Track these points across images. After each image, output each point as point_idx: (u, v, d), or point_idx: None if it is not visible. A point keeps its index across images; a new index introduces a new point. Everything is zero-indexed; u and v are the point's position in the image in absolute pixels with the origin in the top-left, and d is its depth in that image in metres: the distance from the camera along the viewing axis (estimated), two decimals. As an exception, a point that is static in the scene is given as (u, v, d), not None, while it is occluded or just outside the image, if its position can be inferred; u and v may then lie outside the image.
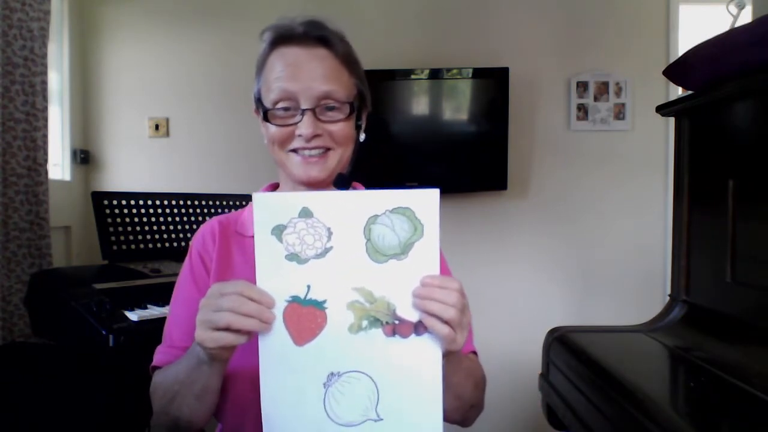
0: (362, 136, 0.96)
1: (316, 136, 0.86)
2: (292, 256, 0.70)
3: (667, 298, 1.42)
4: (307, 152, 0.87)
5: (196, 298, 0.87)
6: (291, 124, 0.86)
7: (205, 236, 0.94)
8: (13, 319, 1.94)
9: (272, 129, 0.88)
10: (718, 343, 1.17)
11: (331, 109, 0.87)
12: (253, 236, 0.89)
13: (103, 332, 1.48)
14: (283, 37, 0.88)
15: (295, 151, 0.88)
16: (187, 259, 0.94)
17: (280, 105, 0.86)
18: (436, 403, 0.71)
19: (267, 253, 0.70)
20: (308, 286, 0.70)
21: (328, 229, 0.69)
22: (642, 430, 0.91)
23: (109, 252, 1.88)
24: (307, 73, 0.85)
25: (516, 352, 2.56)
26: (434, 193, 0.68)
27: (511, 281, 2.66)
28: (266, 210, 0.70)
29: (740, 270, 1.15)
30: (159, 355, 0.89)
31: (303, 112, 0.85)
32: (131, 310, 1.58)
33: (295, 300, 0.70)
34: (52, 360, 1.71)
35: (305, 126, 0.85)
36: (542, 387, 1.46)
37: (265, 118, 0.88)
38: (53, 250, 2.12)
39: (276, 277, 0.70)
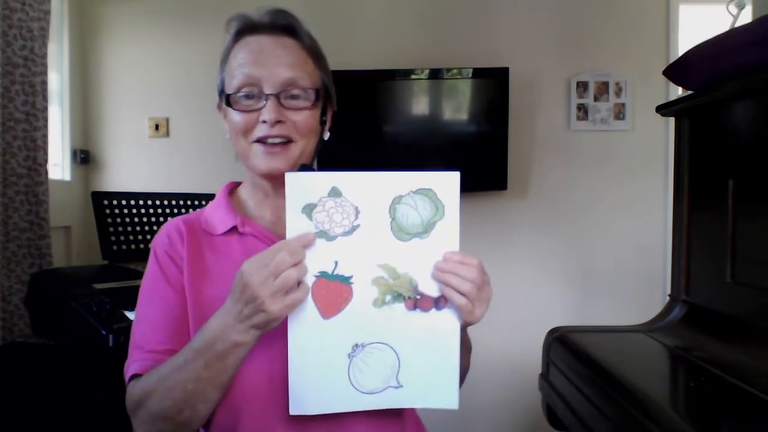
0: (327, 135, 0.94)
1: (279, 122, 0.83)
2: (321, 233, 0.73)
3: (667, 298, 1.42)
4: (269, 140, 0.84)
5: (172, 299, 0.85)
6: (254, 110, 0.84)
7: (171, 236, 0.89)
8: (13, 319, 1.94)
9: (235, 117, 0.85)
10: (718, 343, 1.17)
11: (296, 98, 0.85)
12: (221, 235, 0.89)
13: (103, 332, 1.48)
14: (248, 27, 0.87)
15: (258, 141, 0.85)
16: (152, 261, 0.89)
17: (243, 91, 0.84)
18: (453, 372, 0.76)
19: (297, 230, 0.73)
20: (336, 262, 0.73)
21: (356, 208, 0.73)
22: (642, 430, 0.91)
23: (109, 252, 1.88)
24: (271, 60, 0.84)
25: (516, 352, 2.56)
26: (455, 176, 0.73)
27: (511, 281, 2.66)
28: (297, 189, 0.73)
29: (740, 270, 1.15)
30: (138, 363, 0.82)
31: (267, 97, 0.83)
32: (131, 310, 1.57)
33: (323, 275, 0.73)
34: (52, 360, 1.71)
35: (269, 111, 0.83)
36: (542, 387, 1.46)
37: (228, 104, 0.86)
38: (53, 250, 2.12)
39: (305, 253, 0.74)
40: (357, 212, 0.73)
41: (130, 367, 0.82)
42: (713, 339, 1.20)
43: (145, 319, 0.86)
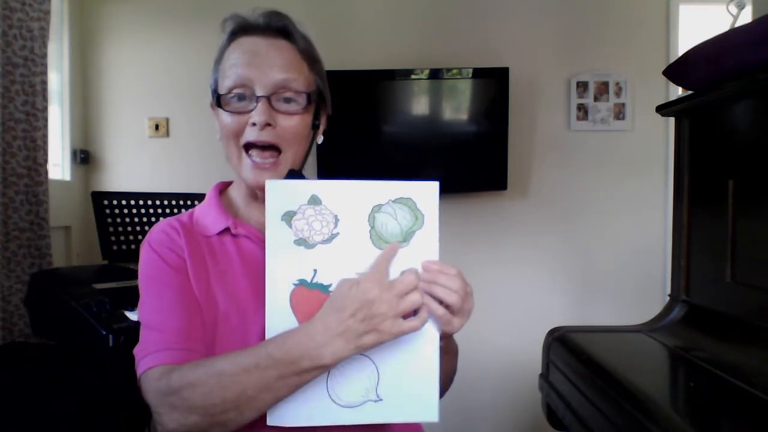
0: (320, 138, 0.94)
1: (268, 125, 0.82)
2: (301, 241, 0.73)
3: (667, 298, 1.42)
4: (259, 159, 0.83)
5: (182, 283, 0.82)
6: (245, 112, 0.83)
7: (168, 233, 0.87)
8: (13, 319, 1.94)
9: (225, 119, 0.85)
10: (718, 343, 1.17)
11: (288, 101, 0.84)
12: (214, 236, 0.88)
13: (103, 332, 1.48)
14: (243, 28, 0.87)
15: (247, 148, 0.84)
16: (150, 256, 0.85)
17: (234, 92, 0.84)
18: (432, 384, 0.75)
19: (276, 238, 0.73)
20: (315, 270, 0.73)
21: (335, 216, 0.73)
22: (642, 430, 0.91)
23: (109, 252, 1.88)
24: (264, 61, 0.83)
25: (516, 352, 2.56)
26: (434, 185, 0.73)
27: (511, 281, 2.67)
28: (277, 196, 0.73)
29: (740, 270, 1.15)
30: (171, 353, 0.77)
31: (258, 99, 0.82)
32: (131, 310, 1.58)
33: (302, 283, 0.73)
34: (52, 360, 1.71)
35: (258, 113, 0.81)
36: (542, 387, 1.46)
37: (218, 104, 0.85)
38: (53, 250, 2.12)
39: (284, 261, 0.73)
40: (336, 220, 0.73)
41: (159, 355, 0.77)
42: (713, 339, 1.20)
43: (162, 308, 0.82)
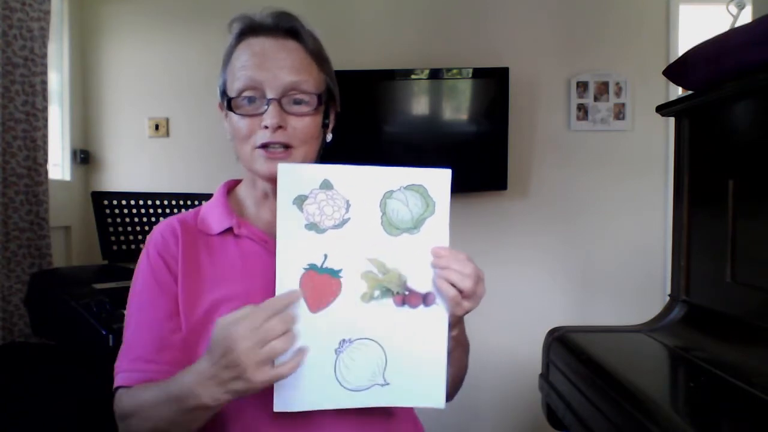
0: (329, 137, 0.94)
1: (280, 127, 0.82)
2: (311, 226, 0.73)
3: (667, 298, 1.42)
4: (271, 147, 0.83)
5: (162, 306, 0.83)
6: (256, 115, 0.83)
7: (165, 236, 0.87)
8: (13, 319, 1.94)
9: (237, 122, 0.84)
10: (718, 343, 1.17)
11: (298, 103, 0.84)
12: (216, 235, 0.88)
13: (103, 332, 1.49)
14: (251, 28, 0.86)
15: (260, 147, 0.83)
16: (144, 263, 0.86)
17: (245, 94, 0.83)
18: (440, 370, 0.75)
19: (287, 222, 0.73)
20: (325, 255, 0.73)
21: (347, 201, 0.73)
22: (642, 430, 0.91)
23: (109, 252, 1.89)
24: (274, 63, 0.83)
25: (516, 352, 2.56)
26: (446, 173, 0.74)
27: (511, 281, 2.66)
28: (289, 180, 0.73)
29: (740, 270, 1.15)
30: (125, 375, 0.80)
31: (269, 102, 0.82)
32: (131, 310, 1.57)
33: (312, 268, 0.73)
34: (52, 360, 1.71)
35: (270, 116, 0.81)
36: (542, 387, 1.46)
37: (229, 107, 0.85)
38: (53, 250, 2.12)
39: (295, 245, 0.73)
40: (348, 205, 0.73)
41: (118, 377, 0.81)
42: (713, 339, 1.20)
43: (136, 326, 0.84)
